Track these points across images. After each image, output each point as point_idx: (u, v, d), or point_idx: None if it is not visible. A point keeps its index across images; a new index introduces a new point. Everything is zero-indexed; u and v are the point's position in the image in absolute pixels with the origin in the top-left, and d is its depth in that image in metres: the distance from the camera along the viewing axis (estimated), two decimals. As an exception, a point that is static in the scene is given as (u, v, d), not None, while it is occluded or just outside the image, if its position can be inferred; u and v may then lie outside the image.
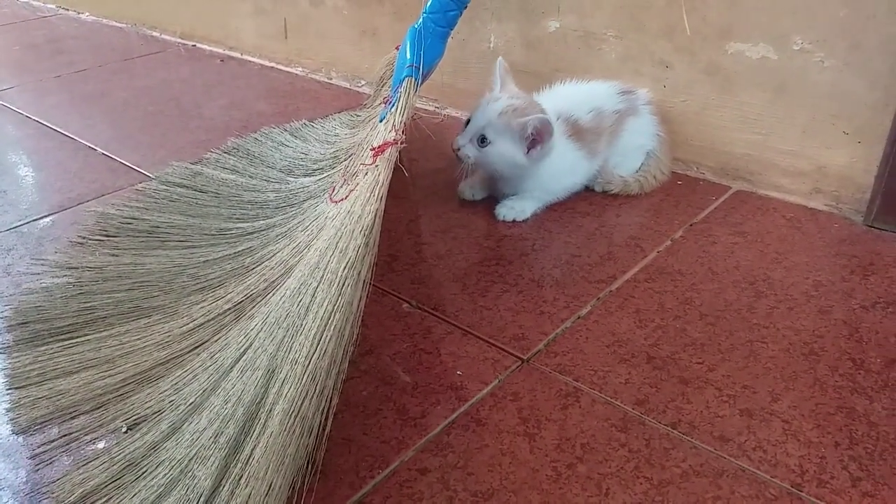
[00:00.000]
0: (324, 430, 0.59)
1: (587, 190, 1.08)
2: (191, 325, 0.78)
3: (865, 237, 0.94)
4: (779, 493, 0.60)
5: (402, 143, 0.72)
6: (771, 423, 0.66)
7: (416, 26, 0.84)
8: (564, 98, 1.05)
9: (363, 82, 1.55)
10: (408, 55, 0.82)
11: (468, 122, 0.98)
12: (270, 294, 0.77)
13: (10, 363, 0.76)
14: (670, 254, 0.93)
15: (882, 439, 0.64)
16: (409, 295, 0.86)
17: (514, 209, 1.01)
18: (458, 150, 0.97)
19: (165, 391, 0.70)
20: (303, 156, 1.19)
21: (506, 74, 1.01)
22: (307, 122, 1.33)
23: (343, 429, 0.67)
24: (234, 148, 1.24)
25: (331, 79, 1.61)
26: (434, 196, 1.09)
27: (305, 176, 1.11)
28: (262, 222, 0.98)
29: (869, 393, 0.69)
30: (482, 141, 0.95)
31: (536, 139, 0.94)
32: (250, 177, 1.14)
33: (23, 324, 0.82)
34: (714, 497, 0.59)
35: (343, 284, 0.62)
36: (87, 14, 2.16)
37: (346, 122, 1.31)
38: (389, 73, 1.19)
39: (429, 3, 0.84)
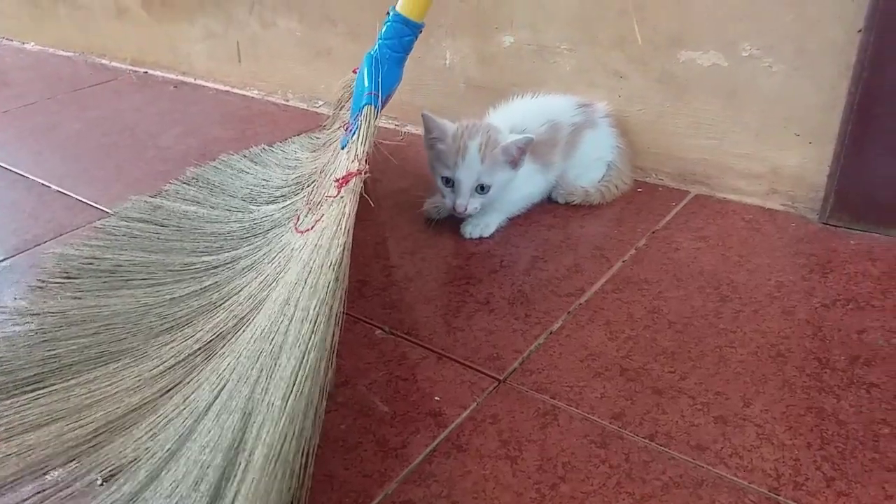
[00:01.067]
0: (306, 470, 0.58)
1: (550, 202, 1.09)
2: (161, 367, 0.77)
3: (821, 235, 0.97)
4: (758, 499, 0.61)
5: (365, 173, 0.72)
6: (745, 429, 0.68)
7: (372, 53, 0.84)
8: (518, 112, 1.06)
9: (321, 102, 1.54)
10: (366, 83, 0.82)
11: (447, 180, 0.97)
12: (241, 331, 0.76)
13: (-26, 420, 0.74)
14: (635, 262, 0.94)
15: (851, 437, 0.66)
16: (381, 321, 0.86)
17: (479, 226, 1.02)
18: (466, 210, 0.97)
19: (140, 438, 0.68)
20: (264, 182, 1.18)
21: (436, 119, 0.98)
22: (266, 147, 1.32)
23: (324, 465, 0.66)
24: (194, 178, 1.22)
25: (287, 100, 1.60)
26: (399, 217, 1.09)
27: (268, 204, 1.10)
28: (227, 254, 0.97)
29: (836, 391, 0.71)
30: (482, 189, 0.96)
31: (518, 153, 0.96)
32: (212, 207, 1.12)
33: (-16, 377, 0.80)
34: (695, 508, 0.61)
35: (315, 322, 0.62)
36: (33, 44, 2.11)
37: (306, 145, 1.31)
38: (347, 96, 1.18)
39: (384, 30, 0.84)
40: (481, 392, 0.74)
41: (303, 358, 0.60)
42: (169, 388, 0.74)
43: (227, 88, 1.69)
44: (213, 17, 1.64)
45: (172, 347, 0.80)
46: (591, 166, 1.09)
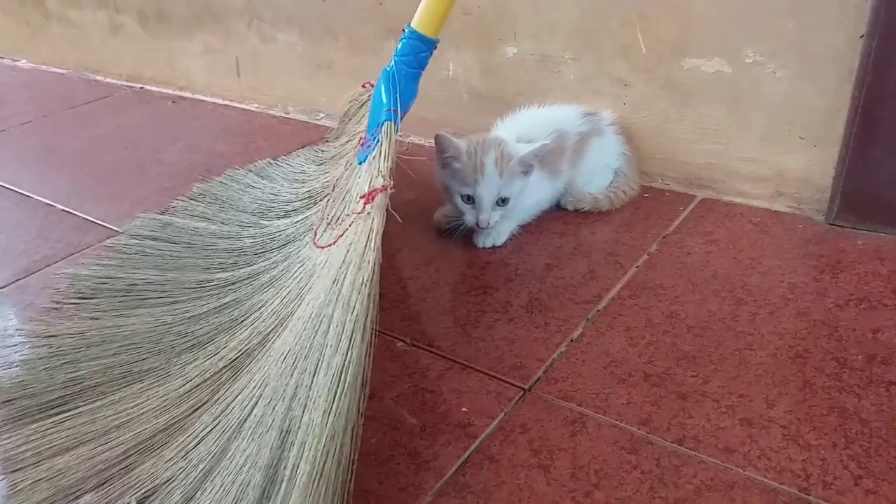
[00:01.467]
0: (347, 489, 0.59)
1: (560, 209, 1.10)
2: (187, 386, 0.77)
3: (829, 235, 0.99)
4: (789, 499, 0.62)
5: (391, 189, 0.73)
6: (770, 430, 0.69)
7: (388, 69, 0.85)
8: (525, 122, 1.07)
9: (322, 115, 1.55)
10: (384, 99, 0.83)
11: (468, 198, 0.97)
12: (267, 348, 0.77)
13: (0, 446, 0.74)
14: (649, 268, 0.95)
15: (875, 435, 0.67)
16: (401, 333, 0.87)
17: (491, 235, 1.03)
18: (489, 225, 0.98)
19: (171, 459, 0.68)
20: (273, 197, 1.19)
21: (451, 138, 0.98)
22: (271, 161, 1.33)
23: (358, 480, 0.66)
24: (201, 194, 1.22)
25: (288, 113, 1.60)
26: (410, 228, 1.10)
27: (280, 218, 1.10)
28: (243, 270, 0.97)
29: (856, 391, 0.72)
30: (502, 202, 0.98)
31: (534, 162, 0.98)
32: (222, 223, 1.13)
33: (7, 402, 0.79)
34: (729, 510, 0.62)
35: (351, 338, 0.62)
36: (24, 61, 2.10)
37: (313, 158, 1.31)
38: (355, 110, 1.19)
39: (399, 46, 0.85)
40: (508, 402, 0.75)
41: (340, 375, 0.61)
42: (197, 407, 0.74)
43: (227, 103, 1.69)
44: (212, 32, 1.65)
45: (197, 366, 0.80)
46: (599, 173, 1.10)
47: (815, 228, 1.01)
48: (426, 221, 1.09)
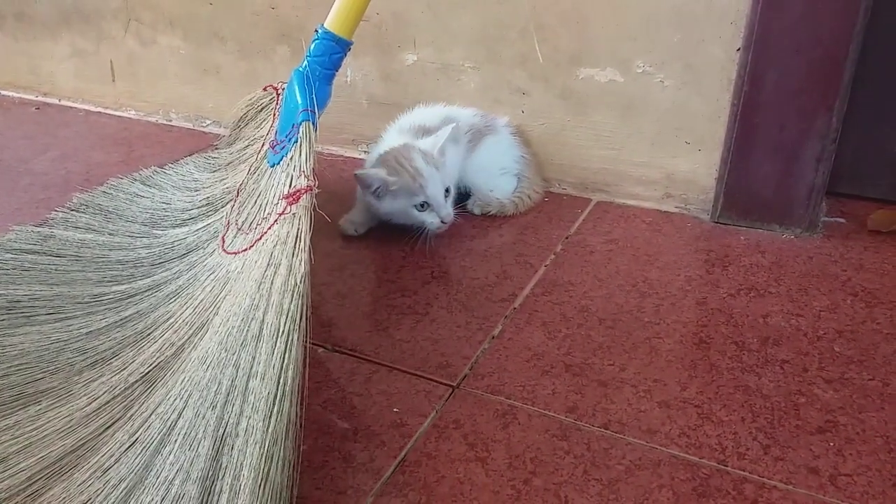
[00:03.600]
0: (292, 493, 0.56)
1: (469, 214, 1.11)
2: (94, 404, 0.71)
3: (715, 232, 1.07)
4: (710, 471, 0.66)
5: (316, 189, 0.72)
6: (686, 410, 0.74)
7: (301, 70, 0.83)
8: (417, 115, 1.12)
9: (209, 121, 1.49)
10: (298, 100, 0.81)
11: (422, 206, 0.98)
12: (183, 359, 0.73)
13: None
14: (557, 267, 0.99)
15: (776, 408, 0.74)
16: (321, 339, 0.85)
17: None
18: (451, 217, 0.99)
19: (85, 481, 0.63)
20: (165, 206, 1.12)
21: (368, 172, 1.00)
22: (158, 169, 1.26)
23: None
24: (83, 204, 1.14)
25: (170, 121, 1.53)
26: (318, 234, 1.06)
27: (176, 227, 1.04)
28: (141, 282, 0.91)
29: (756, 370, 0.79)
30: (447, 192, 1.00)
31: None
32: (110, 234, 1.05)
33: None
34: (659, 486, 0.65)
35: (288, 340, 0.60)
36: None
37: (204, 165, 1.25)
38: (253, 114, 1.16)
39: (312, 47, 0.83)
40: (438, 399, 0.75)
41: (279, 378, 0.59)
42: (109, 424, 0.69)
43: (100, 109, 1.59)
44: (82, 34, 1.54)
45: (103, 382, 0.74)
46: (501, 179, 1.13)
47: (702, 226, 1.09)
48: (334, 228, 1.07)
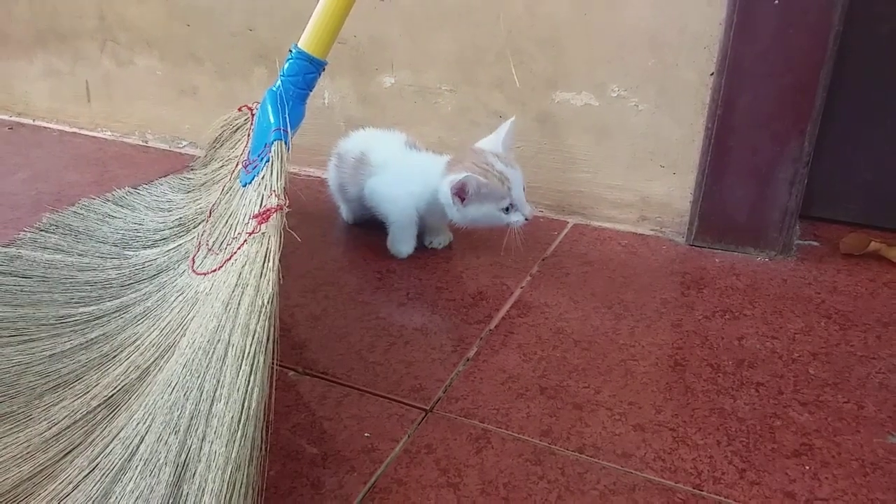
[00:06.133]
0: (256, 519, 0.55)
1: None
2: (53, 429, 0.69)
3: (690, 255, 1.07)
4: (685, 496, 0.65)
5: (287, 208, 0.71)
6: (661, 434, 0.73)
7: (274, 90, 0.83)
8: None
9: (185, 143, 1.48)
10: (271, 119, 0.80)
11: (507, 208, 0.97)
12: (148, 382, 0.71)
13: None
14: (533, 288, 0.98)
15: (752, 432, 0.73)
16: (292, 362, 0.83)
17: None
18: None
19: (41, 510, 0.61)
20: (137, 226, 1.11)
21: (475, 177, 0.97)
22: (132, 190, 1.24)
23: (261, 514, 0.62)
24: (52, 224, 1.11)
25: (146, 141, 1.51)
26: (292, 255, 1.06)
27: (147, 248, 1.03)
28: (109, 304, 0.89)
29: (731, 392, 0.78)
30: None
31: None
32: (80, 255, 1.03)
33: None
34: (634, 511, 0.64)
35: (254, 362, 0.59)
36: None
37: (179, 186, 1.24)
38: (228, 134, 1.15)
39: (286, 66, 0.83)
40: (411, 423, 0.74)
41: (244, 402, 0.57)
42: (68, 450, 0.66)
43: (75, 130, 1.57)
44: (57, 54, 1.53)
45: (64, 407, 0.72)
46: None
47: (677, 249, 1.09)
48: (309, 249, 1.06)
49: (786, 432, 0.73)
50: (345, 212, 1.17)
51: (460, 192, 0.95)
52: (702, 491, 0.66)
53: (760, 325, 0.90)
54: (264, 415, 0.59)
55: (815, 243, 1.09)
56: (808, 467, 0.68)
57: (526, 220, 0.98)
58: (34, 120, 1.62)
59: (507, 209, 0.97)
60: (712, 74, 1.01)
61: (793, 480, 0.67)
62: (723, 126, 1.00)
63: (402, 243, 1.05)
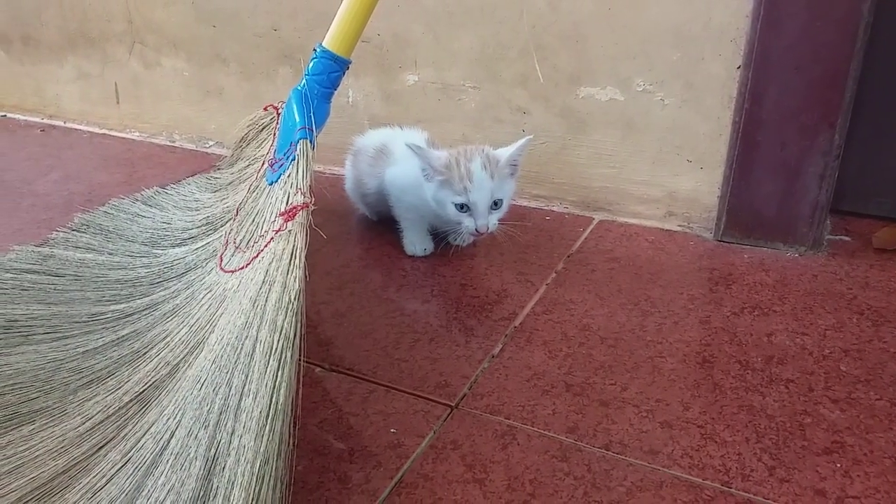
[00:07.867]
0: (285, 513, 0.55)
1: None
2: (87, 424, 0.70)
3: (718, 251, 1.06)
4: (713, 493, 0.65)
5: (313, 206, 0.71)
6: (689, 431, 0.72)
7: (300, 88, 0.83)
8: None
9: (211, 143, 1.49)
10: (297, 118, 0.81)
11: (461, 206, 0.96)
12: (178, 378, 0.72)
13: None
14: (558, 285, 0.98)
15: (781, 429, 0.72)
16: (318, 358, 0.84)
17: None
18: (488, 229, 0.96)
19: (76, 502, 0.62)
20: (166, 225, 1.12)
21: (425, 148, 0.98)
22: (160, 189, 1.26)
23: (289, 509, 0.63)
24: (84, 224, 1.14)
25: (174, 142, 1.53)
26: (317, 253, 1.07)
27: (176, 247, 1.04)
28: (140, 301, 0.91)
29: (760, 389, 0.77)
30: (496, 205, 0.97)
31: (516, 164, 0.99)
32: (110, 254, 1.05)
33: None
34: (661, 508, 0.63)
35: (281, 358, 0.59)
36: None
37: (206, 185, 1.26)
38: (254, 134, 1.16)
39: (311, 65, 0.84)
40: (436, 420, 0.74)
41: (272, 396, 0.58)
42: (101, 444, 0.68)
43: (104, 131, 1.60)
44: (87, 57, 1.55)
45: (97, 402, 0.73)
46: None
47: (705, 245, 1.08)
48: (335, 246, 1.07)
49: (816, 429, 0.72)
50: (364, 211, 1.17)
51: (419, 158, 0.97)
52: (730, 488, 0.65)
53: (790, 321, 0.89)
54: (292, 410, 0.60)
55: (846, 238, 1.07)
56: (839, 465, 0.67)
57: (476, 230, 0.96)
58: (65, 122, 1.65)
59: (462, 208, 0.96)
60: (739, 67, 0.99)
61: (824, 478, 0.66)
62: (751, 120, 0.99)
63: (416, 243, 1.06)
